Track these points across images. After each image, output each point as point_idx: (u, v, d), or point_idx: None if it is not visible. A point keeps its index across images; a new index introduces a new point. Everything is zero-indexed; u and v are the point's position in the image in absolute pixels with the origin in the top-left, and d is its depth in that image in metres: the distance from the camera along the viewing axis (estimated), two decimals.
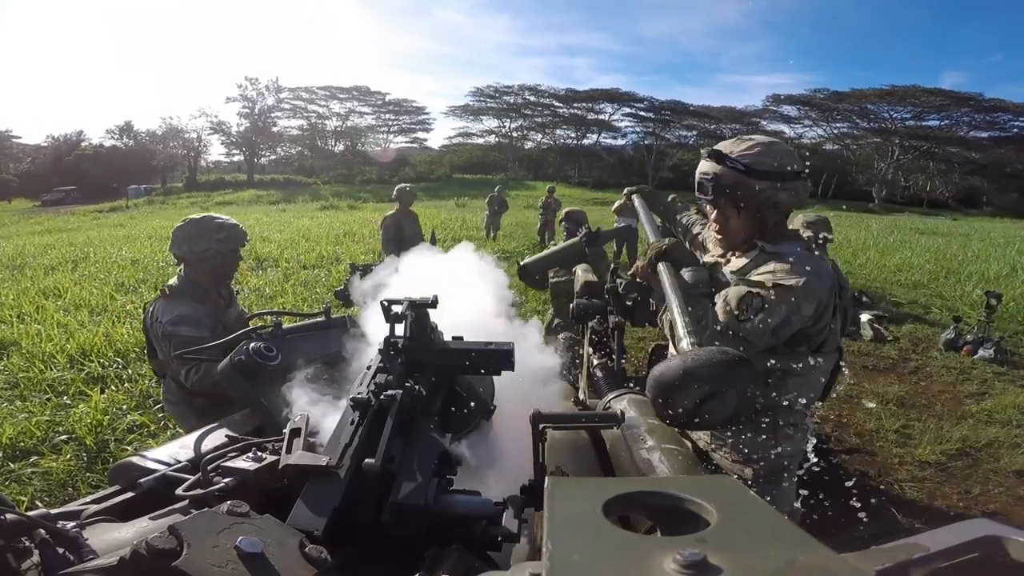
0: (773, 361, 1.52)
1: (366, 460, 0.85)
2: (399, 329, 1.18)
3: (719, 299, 1.50)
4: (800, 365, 1.53)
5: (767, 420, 1.57)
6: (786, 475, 1.66)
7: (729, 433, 1.62)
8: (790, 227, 1.66)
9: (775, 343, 1.47)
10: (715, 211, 1.60)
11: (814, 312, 1.45)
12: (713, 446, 1.72)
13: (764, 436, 1.58)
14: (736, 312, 1.44)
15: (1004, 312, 6.80)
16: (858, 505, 2.91)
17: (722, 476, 0.52)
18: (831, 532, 2.75)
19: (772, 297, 1.42)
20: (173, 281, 2.33)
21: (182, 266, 2.33)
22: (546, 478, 0.71)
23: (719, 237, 1.66)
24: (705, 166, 1.55)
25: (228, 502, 0.64)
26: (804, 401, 1.59)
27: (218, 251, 2.27)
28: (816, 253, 1.54)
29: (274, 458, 0.94)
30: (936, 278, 9.48)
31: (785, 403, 1.55)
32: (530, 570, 0.52)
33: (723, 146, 1.53)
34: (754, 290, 1.44)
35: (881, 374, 5.26)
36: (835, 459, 3.66)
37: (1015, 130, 46.66)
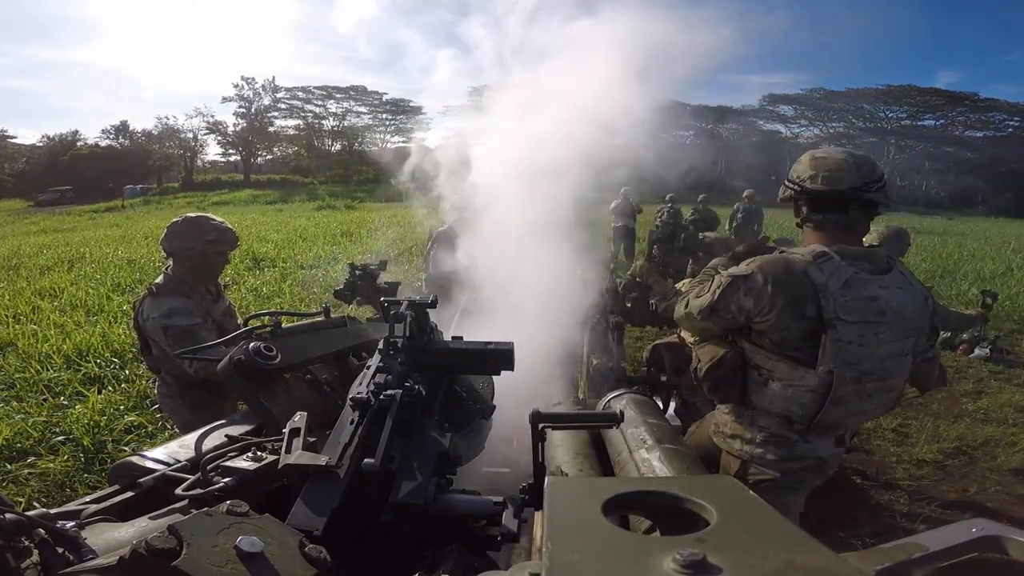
0: None
1: (366, 460, 0.85)
2: (399, 329, 1.18)
3: None
4: None
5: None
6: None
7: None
8: (866, 239, 1.70)
9: None
10: None
11: None
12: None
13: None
14: None
15: (1000, 311, 6.82)
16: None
17: (722, 476, 0.52)
18: (831, 532, 2.75)
19: None
20: (160, 279, 2.36)
21: (170, 261, 2.36)
22: (546, 478, 0.71)
23: None
24: None
25: (228, 502, 0.64)
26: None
27: (204, 251, 2.30)
28: None
29: (274, 458, 0.94)
30: (932, 277, 9.49)
31: None
32: (530, 570, 0.52)
33: None
34: None
35: None
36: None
37: (1010, 129, 46.81)
